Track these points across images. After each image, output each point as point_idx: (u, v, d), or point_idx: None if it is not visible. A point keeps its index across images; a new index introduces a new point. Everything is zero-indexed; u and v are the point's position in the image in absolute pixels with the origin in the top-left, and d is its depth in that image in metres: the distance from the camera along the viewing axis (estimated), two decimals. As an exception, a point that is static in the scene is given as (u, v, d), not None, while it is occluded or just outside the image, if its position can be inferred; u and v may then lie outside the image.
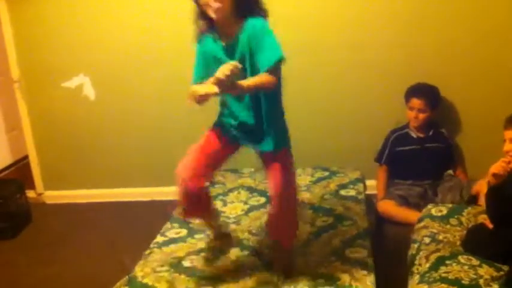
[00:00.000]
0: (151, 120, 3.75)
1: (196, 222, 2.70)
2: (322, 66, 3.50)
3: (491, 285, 1.93)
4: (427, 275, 2.05)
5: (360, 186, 3.17)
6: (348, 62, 3.47)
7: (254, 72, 2.05)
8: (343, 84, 3.53)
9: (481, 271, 2.02)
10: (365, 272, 2.25)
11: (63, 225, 3.60)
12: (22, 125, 3.92)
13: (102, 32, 3.63)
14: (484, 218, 2.36)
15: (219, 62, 2.01)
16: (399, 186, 3.34)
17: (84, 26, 3.63)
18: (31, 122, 3.88)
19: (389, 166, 3.44)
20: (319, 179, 3.32)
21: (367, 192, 3.29)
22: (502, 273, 2.00)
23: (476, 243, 2.19)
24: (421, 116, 3.31)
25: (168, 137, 3.74)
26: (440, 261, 2.11)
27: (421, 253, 2.25)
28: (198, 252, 2.49)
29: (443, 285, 1.94)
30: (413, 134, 3.40)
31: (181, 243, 2.61)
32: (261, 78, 2.02)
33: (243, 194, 3.18)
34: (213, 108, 2.28)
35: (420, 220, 2.57)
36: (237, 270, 2.36)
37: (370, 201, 3.24)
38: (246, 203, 3.05)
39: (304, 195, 3.03)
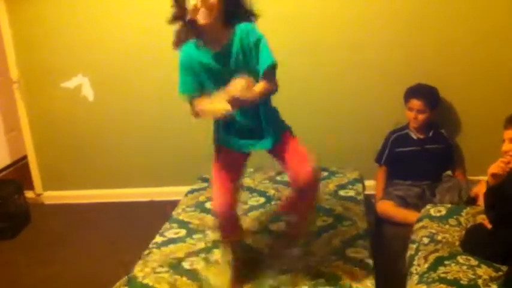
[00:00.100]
0: (151, 120, 3.75)
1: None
2: (322, 66, 3.50)
3: (489, 286, 1.93)
4: (426, 275, 2.05)
5: (359, 186, 3.16)
6: (348, 62, 3.46)
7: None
8: (343, 84, 3.53)
9: (479, 271, 2.02)
10: (365, 273, 2.24)
11: (62, 226, 3.60)
12: (21, 125, 3.92)
13: (101, 32, 3.63)
14: (482, 218, 2.35)
15: (209, 71, 2.00)
16: (398, 186, 3.34)
17: (83, 26, 3.63)
18: (30, 122, 3.88)
19: (389, 167, 3.44)
20: (319, 179, 3.31)
21: (366, 192, 3.28)
22: (500, 273, 2.00)
23: (475, 243, 2.19)
24: (421, 116, 3.31)
25: (168, 137, 3.75)
26: (439, 262, 2.10)
27: (419, 253, 2.25)
28: (197, 253, 2.48)
29: (442, 285, 1.94)
30: (413, 135, 3.39)
31: (181, 244, 2.60)
32: (264, 85, 2.00)
33: (243, 194, 3.16)
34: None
35: (419, 220, 2.57)
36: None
37: (369, 202, 3.24)
38: (245, 203, 3.05)
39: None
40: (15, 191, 3.61)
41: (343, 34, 3.43)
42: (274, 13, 3.42)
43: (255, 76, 2.00)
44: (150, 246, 2.60)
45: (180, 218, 2.88)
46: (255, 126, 2.14)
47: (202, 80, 2.06)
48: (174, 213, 2.96)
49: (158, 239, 2.67)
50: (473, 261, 2.09)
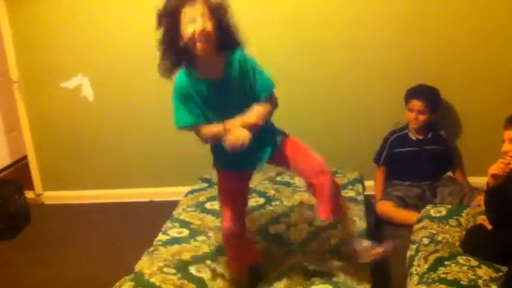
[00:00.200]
0: (151, 120, 3.75)
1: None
2: (322, 66, 3.49)
3: (490, 286, 1.93)
4: (426, 275, 2.05)
5: (359, 187, 3.15)
6: (348, 62, 3.46)
7: (248, 105, 2.01)
8: (343, 84, 3.53)
9: (480, 272, 2.02)
10: (361, 269, 2.23)
11: (62, 226, 3.60)
12: (21, 125, 3.92)
13: (101, 32, 3.63)
14: (483, 219, 2.35)
15: (206, 100, 2.00)
16: (397, 187, 3.34)
17: (83, 26, 3.63)
18: (30, 122, 3.88)
19: (388, 167, 3.44)
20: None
21: (366, 193, 3.28)
22: (500, 274, 2.00)
23: (475, 244, 2.19)
24: (421, 117, 3.30)
25: (168, 137, 3.74)
26: (439, 262, 2.10)
27: (419, 254, 2.25)
28: (202, 258, 2.44)
29: (442, 286, 1.94)
30: (413, 136, 3.39)
31: (185, 244, 2.57)
32: (269, 107, 2.05)
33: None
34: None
35: (419, 221, 2.57)
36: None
37: (369, 202, 3.23)
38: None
39: (303, 196, 3.02)
40: (15, 191, 3.61)
41: (343, 34, 3.43)
42: (274, 13, 3.43)
43: (252, 101, 2.02)
44: (155, 243, 2.59)
45: (181, 217, 2.88)
46: (252, 144, 2.13)
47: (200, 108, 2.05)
48: (174, 212, 2.95)
49: (162, 237, 2.66)
50: (474, 262, 2.09)
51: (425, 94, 3.29)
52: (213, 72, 1.99)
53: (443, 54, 3.38)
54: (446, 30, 3.34)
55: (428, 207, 2.69)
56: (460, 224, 2.47)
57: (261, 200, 3.05)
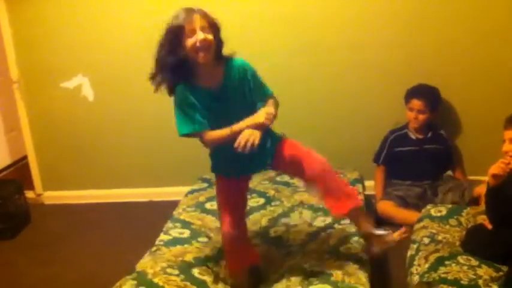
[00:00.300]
0: (151, 120, 3.75)
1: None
2: (322, 66, 3.50)
3: (490, 286, 1.93)
4: (426, 275, 2.05)
5: (359, 187, 3.16)
6: (348, 62, 3.47)
7: (247, 111, 2.05)
8: (343, 84, 3.53)
9: (480, 271, 2.02)
10: (357, 267, 2.22)
11: (62, 226, 3.60)
12: (21, 125, 3.91)
13: (101, 32, 3.63)
14: (483, 219, 2.36)
15: (208, 109, 2.03)
16: (398, 186, 3.34)
17: (83, 26, 3.63)
18: (30, 122, 3.88)
19: (387, 166, 3.44)
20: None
21: (366, 192, 3.29)
22: (501, 273, 2.00)
23: (475, 243, 2.19)
24: (421, 117, 3.30)
25: (168, 137, 3.71)
26: (439, 262, 2.11)
27: (420, 253, 2.25)
28: (205, 261, 2.44)
29: (442, 285, 1.94)
30: (412, 135, 3.39)
31: (187, 245, 2.57)
32: (273, 109, 2.08)
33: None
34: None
35: (419, 220, 2.57)
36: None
37: (369, 202, 3.24)
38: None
39: (303, 196, 3.02)
40: (16, 191, 3.61)
41: (343, 34, 3.43)
42: (274, 13, 3.43)
43: (251, 108, 2.07)
44: (157, 243, 2.59)
45: (182, 217, 2.88)
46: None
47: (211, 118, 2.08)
48: (174, 212, 2.96)
49: (164, 237, 2.66)
50: (474, 262, 2.09)
51: (425, 93, 3.29)
52: (213, 81, 2.05)
53: (443, 54, 3.38)
54: (446, 30, 3.34)
55: (428, 206, 2.69)
56: (460, 223, 2.47)
57: (261, 200, 3.06)
